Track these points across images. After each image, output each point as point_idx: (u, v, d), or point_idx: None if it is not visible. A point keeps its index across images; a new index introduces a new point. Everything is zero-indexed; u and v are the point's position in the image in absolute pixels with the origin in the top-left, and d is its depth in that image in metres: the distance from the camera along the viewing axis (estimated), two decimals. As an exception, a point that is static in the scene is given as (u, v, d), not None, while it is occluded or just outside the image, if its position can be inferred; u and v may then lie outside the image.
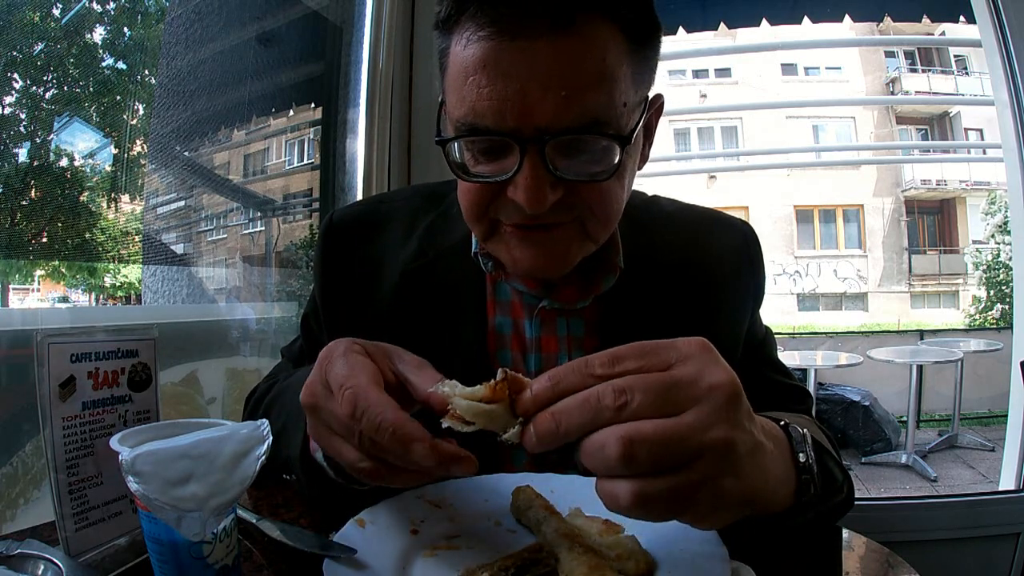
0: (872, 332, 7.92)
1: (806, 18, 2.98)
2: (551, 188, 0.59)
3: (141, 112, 1.57)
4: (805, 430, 0.57)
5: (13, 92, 1.30)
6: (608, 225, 0.67)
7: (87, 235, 1.46)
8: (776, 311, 9.61)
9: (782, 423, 0.56)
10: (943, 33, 6.26)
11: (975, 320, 8.03)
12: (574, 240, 0.65)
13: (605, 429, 0.41)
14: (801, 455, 0.54)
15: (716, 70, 10.80)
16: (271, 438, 0.48)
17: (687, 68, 10.59)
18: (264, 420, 0.49)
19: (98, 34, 1.48)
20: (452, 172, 0.64)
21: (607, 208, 0.64)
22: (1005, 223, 7.06)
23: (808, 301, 10.79)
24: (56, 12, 1.40)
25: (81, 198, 1.45)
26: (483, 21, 0.56)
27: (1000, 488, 2.08)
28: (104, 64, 1.50)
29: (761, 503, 0.48)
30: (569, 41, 0.56)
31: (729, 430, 0.42)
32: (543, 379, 0.44)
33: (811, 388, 4.32)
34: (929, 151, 10.97)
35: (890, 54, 10.46)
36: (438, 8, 0.62)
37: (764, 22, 2.93)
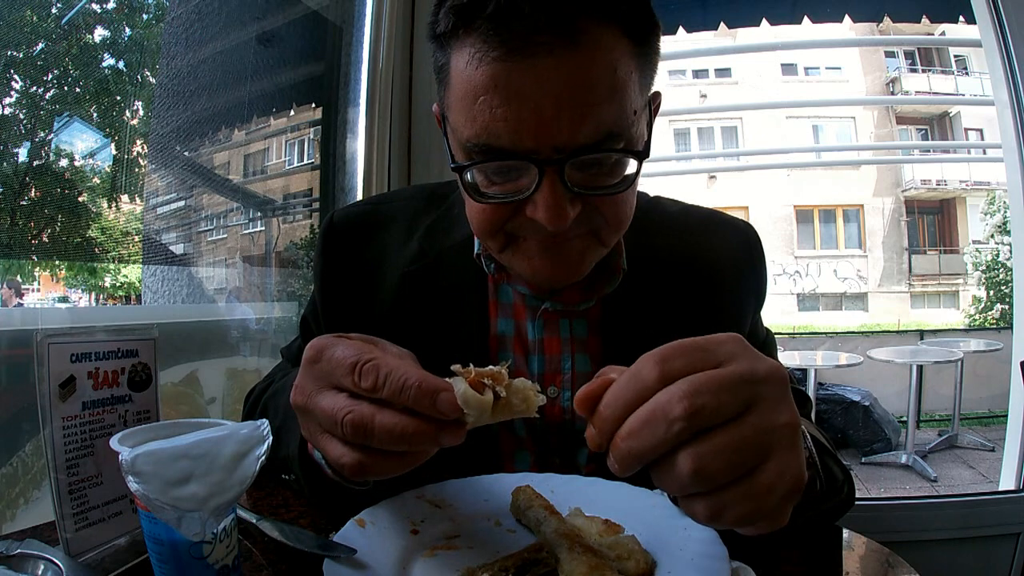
0: (872, 332, 7.92)
1: (806, 18, 2.99)
2: (570, 204, 0.59)
3: (141, 112, 1.57)
4: (802, 426, 0.57)
5: (13, 92, 1.30)
6: (621, 230, 0.68)
7: (87, 235, 1.45)
8: (776, 311, 9.59)
9: None
10: (943, 33, 6.25)
11: (975, 320, 8.02)
12: (588, 248, 0.66)
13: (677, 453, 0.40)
14: (804, 450, 0.54)
15: (716, 70, 10.79)
16: (271, 438, 0.48)
17: (687, 68, 10.57)
18: (264, 420, 0.49)
19: (98, 34, 1.48)
20: (466, 194, 0.64)
21: (621, 216, 0.65)
22: (1005, 223, 7.06)
23: (808, 301, 10.78)
24: (56, 12, 1.39)
25: (81, 198, 1.45)
26: (493, 41, 0.55)
27: (1000, 488, 2.08)
28: (104, 64, 1.50)
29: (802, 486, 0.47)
30: (577, 55, 0.55)
31: (790, 415, 0.42)
32: (604, 404, 0.43)
33: (811, 388, 4.32)
34: (929, 151, 10.95)
35: (890, 54, 10.45)
36: (433, 20, 0.61)
37: (764, 22, 2.94)
